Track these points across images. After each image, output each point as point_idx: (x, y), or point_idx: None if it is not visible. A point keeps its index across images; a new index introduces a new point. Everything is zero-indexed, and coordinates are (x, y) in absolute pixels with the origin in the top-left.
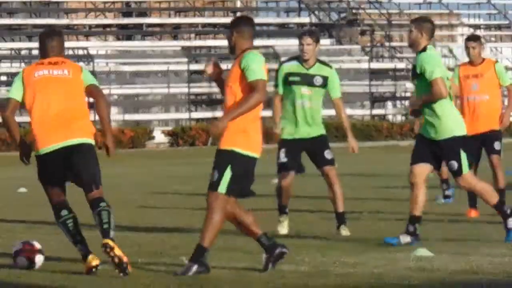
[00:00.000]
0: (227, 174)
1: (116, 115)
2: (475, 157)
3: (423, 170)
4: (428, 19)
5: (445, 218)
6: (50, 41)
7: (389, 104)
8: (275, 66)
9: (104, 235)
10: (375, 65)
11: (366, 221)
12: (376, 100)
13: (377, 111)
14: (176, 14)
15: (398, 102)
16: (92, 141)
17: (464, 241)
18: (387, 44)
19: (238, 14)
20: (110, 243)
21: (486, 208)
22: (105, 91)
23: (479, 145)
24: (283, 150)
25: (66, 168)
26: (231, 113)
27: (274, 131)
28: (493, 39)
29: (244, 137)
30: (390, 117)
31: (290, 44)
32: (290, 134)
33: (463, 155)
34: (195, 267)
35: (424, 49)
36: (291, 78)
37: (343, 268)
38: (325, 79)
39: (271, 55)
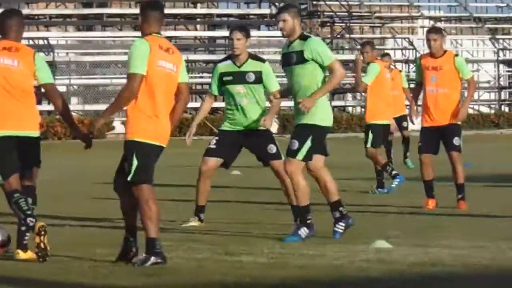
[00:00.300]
0: (134, 163)
1: (76, 105)
2: (433, 149)
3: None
4: (294, 5)
5: (403, 210)
6: (9, 20)
7: (349, 95)
8: None
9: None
10: (335, 56)
11: (325, 212)
12: (336, 92)
13: (337, 103)
14: (136, 5)
15: (358, 94)
16: (39, 133)
17: (423, 233)
18: (347, 36)
19: (199, 5)
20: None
21: (445, 200)
22: (65, 81)
23: (437, 137)
24: (216, 137)
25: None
26: (107, 110)
27: (190, 130)
28: (453, 31)
29: (146, 126)
30: (350, 108)
31: (251, 35)
32: (228, 126)
33: (308, 144)
34: (152, 259)
35: (306, 35)
36: (225, 78)
37: (302, 260)
38: (259, 74)
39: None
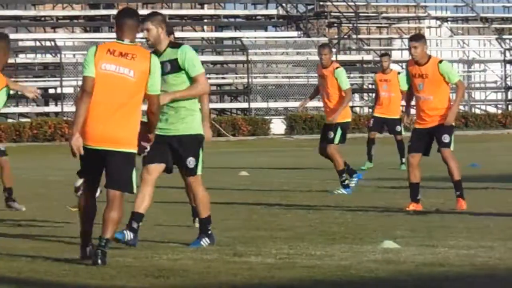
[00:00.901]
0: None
1: None
2: (421, 148)
3: (158, 168)
4: (159, 13)
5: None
6: None
7: (356, 96)
8: (243, 58)
9: None
10: (342, 57)
11: (333, 213)
12: None
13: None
14: (143, 6)
15: (365, 94)
16: None
17: (430, 233)
18: (354, 36)
19: (206, 6)
20: None
21: (452, 201)
22: (72, 83)
23: (427, 138)
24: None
25: None
26: (74, 123)
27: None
28: (460, 31)
29: (85, 129)
30: (357, 109)
31: (258, 36)
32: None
33: (201, 156)
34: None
35: (178, 43)
36: None
37: (310, 260)
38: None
39: (239, 47)
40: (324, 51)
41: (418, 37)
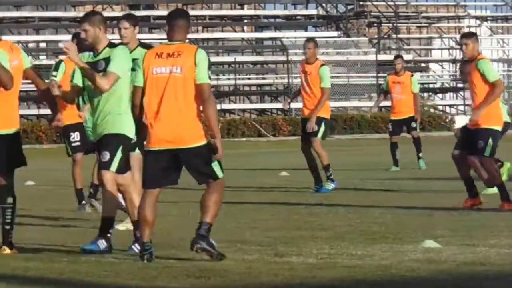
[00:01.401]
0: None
1: None
2: (464, 146)
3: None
4: (97, 13)
5: (452, 209)
6: None
7: None
8: (283, 58)
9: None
10: (382, 57)
11: (373, 212)
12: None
13: (384, 103)
14: (183, 7)
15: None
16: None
17: (471, 233)
18: (394, 36)
19: (246, 6)
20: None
21: (492, 200)
22: None
23: (470, 138)
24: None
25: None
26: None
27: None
28: (500, 30)
29: (150, 133)
30: None
31: (298, 36)
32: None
33: (119, 155)
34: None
35: (115, 44)
36: None
37: (350, 260)
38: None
39: (279, 47)
40: (309, 45)
41: (468, 35)
